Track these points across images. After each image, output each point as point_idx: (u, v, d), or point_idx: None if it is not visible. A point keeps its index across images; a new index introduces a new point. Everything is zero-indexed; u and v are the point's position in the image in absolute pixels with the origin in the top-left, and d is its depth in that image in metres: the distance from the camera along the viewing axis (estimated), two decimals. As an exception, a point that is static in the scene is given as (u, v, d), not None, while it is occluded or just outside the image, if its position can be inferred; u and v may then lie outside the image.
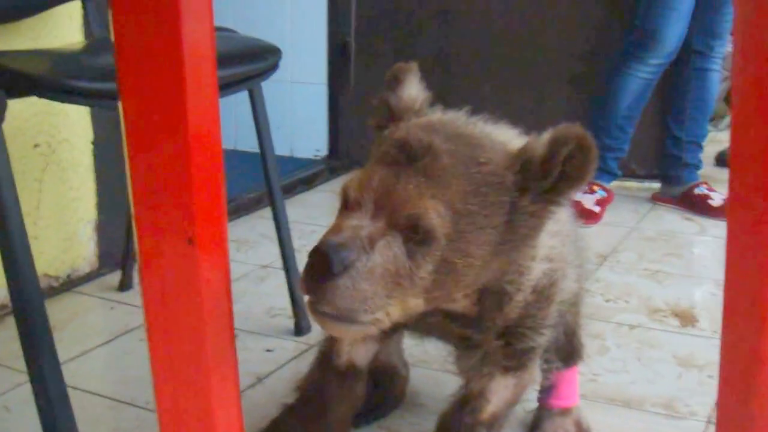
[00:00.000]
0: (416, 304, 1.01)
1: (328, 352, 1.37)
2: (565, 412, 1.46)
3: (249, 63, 1.63)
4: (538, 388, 1.49)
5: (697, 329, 1.94)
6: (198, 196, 0.96)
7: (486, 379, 1.26)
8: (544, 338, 1.23)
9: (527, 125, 1.15)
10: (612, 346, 1.86)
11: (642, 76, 2.77)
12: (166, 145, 0.94)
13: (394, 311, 0.98)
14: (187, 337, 1.01)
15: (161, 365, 1.04)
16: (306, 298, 0.98)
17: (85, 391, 1.61)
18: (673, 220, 2.83)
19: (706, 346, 1.85)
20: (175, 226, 0.97)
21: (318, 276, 0.93)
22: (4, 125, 1.71)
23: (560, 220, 1.19)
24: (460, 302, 1.14)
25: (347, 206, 1.01)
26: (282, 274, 1.91)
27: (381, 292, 0.95)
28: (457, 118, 1.10)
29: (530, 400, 1.51)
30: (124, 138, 0.96)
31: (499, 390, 1.27)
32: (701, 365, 1.75)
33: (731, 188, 0.55)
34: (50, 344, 1.28)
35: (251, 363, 1.76)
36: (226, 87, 1.58)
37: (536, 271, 1.14)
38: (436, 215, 0.96)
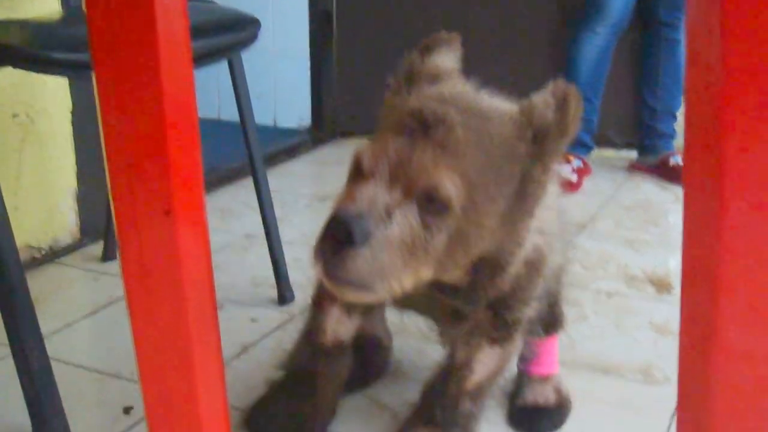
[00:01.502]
0: (427, 273, 1.03)
1: (312, 329, 1.38)
2: (545, 379, 1.48)
3: (228, 33, 1.62)
4: (518, 356, 1.51)
5: (673, 296, 1.96)
6: (174, 168, 0.95)
7: (473, 349, 1.28)
8: (531, 310, 1.25)
9: (505, 92, 1.16)
10: (590, 313, 1.88)
11: (595, 43, 2.81)
12: (141, 117, 0.94)
13: (407, 280, 0.99)
14: (168, 308, 1.02)
15: (143, 337, 1.04)
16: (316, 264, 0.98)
17: (69, 363, 1.62)
18: (649, 189, 2.86)
19: (683, 312, 1.87)
20: (152, 198, 0.97)
21: (337, 245, 0.94)
22: (-18, 97, 1.70)
23: (551, 193, 1.20)
24: (454, 273, 1.14)
25: (360, 174, 1.01)
26: (266, 243, 1.92)
27: (398, 262, 0.96)
28: (467, 91, 1.11)
29: (511, 368, 1.52)
30: (98, 109, 0.96)
31: (485, 360, 1.29)
32: (677, 332, 1.76)
33: (686, 151, 0.56)
34: (32, 318, 1.28)
35: (236, 333, 1.77)
36: (205, 57, 1.57)
37: (529, 243, 1.16)
38: (452, 185, 0.97)
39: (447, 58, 1.16)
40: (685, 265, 0.59)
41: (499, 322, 1.24)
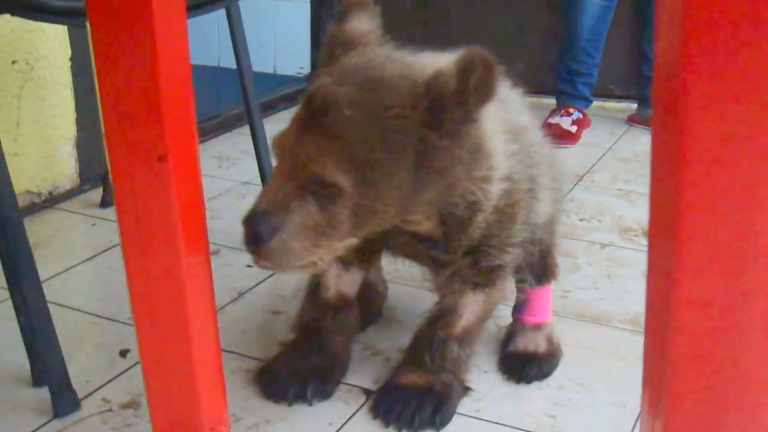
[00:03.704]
0: (347, 243, 1.12)
1: (316, 286, 1.43)
2: (537, 327, 1.51)
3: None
4: (511, 304, 1.54)
5: (668, 247, 1.97)
6: (167, 115, 0.97)
7: (457, 295, 1.32)
8: (510, 256, 1.27)
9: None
10: (583, 264, 1.90)
11: (596, 1, 2.78)
12: (135, 65, 0.95)
13: (325, 255, 1.10)
14: (162, 253, 1.03)
15: (137, 282, 1.06)
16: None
17: (67, 307, 1.64)
18: (647, 141, 2.80)
19: (676, 263, 1.89)
20: (146, 144, 0.98)
21: (252, 242, 1.08)
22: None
23: (522, 141, 1.23)
24: (423, 225, 1.20)
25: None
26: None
27: (308, 244, 1.07)
28: (375, 58, 1.13)
29: (504, 317, 1.55)
30: (92, 57, 0.97)
31: (470, 305, 1.32)
32: (669, 282, 1.79)
33: (654, 95, 0.57)
34: (30, 262, 1.30)
35: (232, 278, 1.79)
36: (203, 5, 1.57)
37: (494, 191, 1.19)
38: (337, 171, 1.04)
39: (363, 22, 1.18)
40: (651, 217, 0.60)
41: (478, 268, 1.28)
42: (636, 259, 1.92)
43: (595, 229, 2.09)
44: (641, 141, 2.85)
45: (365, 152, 1.05)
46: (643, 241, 2.01)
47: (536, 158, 1.29)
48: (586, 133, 2.85)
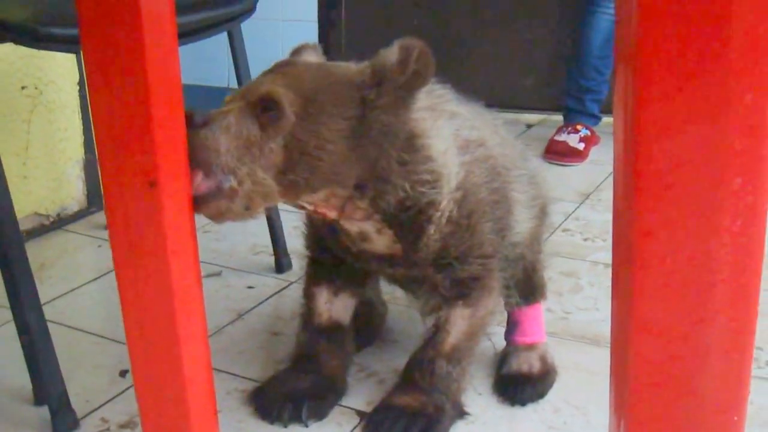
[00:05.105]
0: (268, 183, 1.11)
1: (309, 313, 1.46)
2: (530, 347, 1.52)
3: (224, 6, 1.65)
4: (504, 326, 1.55)
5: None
6: (159, 141, 0.99)
7: (442, 313, 1.35)
8: (478, 268, 1.30)
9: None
10: (585, 284, 1.90)
11: (610, 13, 2.76)
12: (126, 91, 0.97)
13: (246, 178, 1.08)
14: (153, 277, 1.05)
15: (130, 305, 1.08)
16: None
17: (70, 327, 1.67)
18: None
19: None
20: (137, 170, 1.00)
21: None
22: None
23: (475, 153, 1.28)
24: (378, 242, 1.27)
25: None
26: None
27: (234, 151, 1.07)
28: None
29: (502, 339, 1.56)
30: (86, 84, 0.99)
31: (457, 322, 1.35)
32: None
33: (614, 122, 0.59)
34: (31, 284, 1.32)
35: (233, 300, 1.81)
36: (202, 31, 1.60)
37: (443, 201, 1.23)
38: (282, 94, 1.10)
39: (311, 56, 1.29)
40: (614, 244, 0.62)
41: (449, 282, 1.32)
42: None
43: (599, 249, 2.09)
44: (648, 161, 2.83)
45: (313, 93, 1.12)
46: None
47: (501, 171, 1.31)
48: (594, 151, 2.85)
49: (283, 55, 1.29)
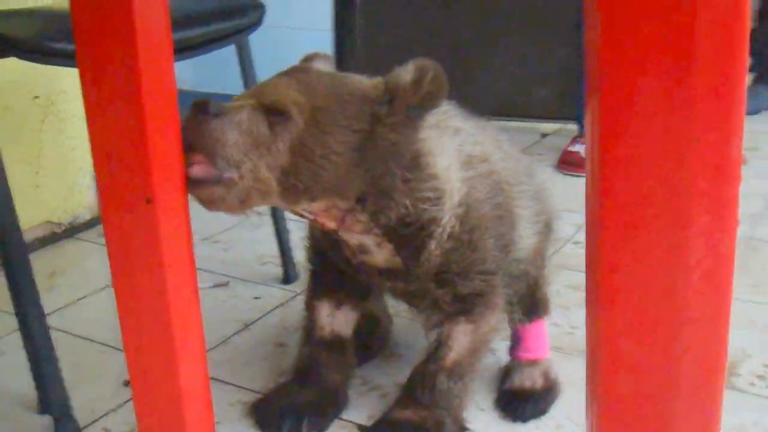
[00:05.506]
0: (270, 183, 1.11)
1: (311, 327, 1.46)
2: (533, 363, 1.51)
3: (230, 19, 1.66)
4: (508, 342, 1.54)
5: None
6: (154, 158, 0.99)
7: (445, 328, 1.35)
8: (480, 284, 1.30)
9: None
10: (592, 298, 1.89)
11: None
12: (121, 109, 0.98)
13: (248, 173, 1.08)
14: (149, 292, 1.06)
15: (127, 319, 1.09)
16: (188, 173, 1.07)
17: (77, 336, 1.68)
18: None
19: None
20: (134, 187, 1.01)
21: (196, 115, 1.07)
22: (5, 77, 1.76)
23: (479, 169, 1.28)
24: (378, 255, 1.27)
25: None
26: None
27: (241, 145, 1.08)
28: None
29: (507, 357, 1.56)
30: (83, 101, 1.00)
31: (459, 337, 1.34)
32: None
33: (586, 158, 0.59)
34: (34, 295, 1.33)
35: (239, 310, 1.82)
36: (208, 43, 1.62)
37: (444, 218, 1.23)
38: (293, 100, 1.11)
39: (322, 65, 1.28)
40: (587, 277, 0.61)
41: (450, 297, 1.31)
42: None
43: (607, 263, 2.07)
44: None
45: (324, 102, 1.13)
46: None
47: (505, 187, 1.31)
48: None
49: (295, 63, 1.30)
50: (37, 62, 1.35)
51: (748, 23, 0.51)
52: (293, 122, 1.10)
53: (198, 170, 1.06)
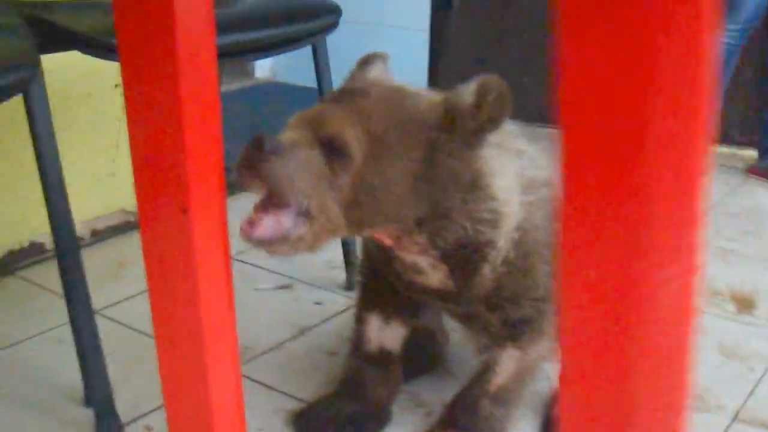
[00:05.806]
0: (337, 215, 1.08)
1: (358, 340, 1.44)
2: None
3: (306, 21, 1.65)
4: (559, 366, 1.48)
5: (754, 317, 1.85)
6: (192, 167, 0.98)
7: (493, 352, 1.32)
8: (530, 311, 1.26)
9: None
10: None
11: (723, 41, 2.61)
12: (160, 115, 0.97)
13: (316, 208, 1.06)
14: (183, 301, 1.05)
15: (161, 329, 1.09)
16: (241, 227, 1.07)
17: (134, 329, 1.70)
18: (763, 196, 2.64)
19: (757, 335, 1.77)
20: (170, 196, 1.00)
21: (253, 156, 1.03)
22: (88, 65, 1.78)
23: (539, 194, 1.23)
24: (431, 276, 1.24)
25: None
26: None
27: (305, 183, 1.05)
28: (397, 84, 1.20)
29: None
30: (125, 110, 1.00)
31: (505, 362, 1.31)
32: (746, 356, 1.68)
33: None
34: (84, 291, 1.34)
35: (297, 314, 1.81)
36: (282, 45, 1.61)
37: (500, 241, 1.19)
38: (352, 136, 1.07)
39: (379, 71, 1.24)
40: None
41: (502, 322, 1.28)
42: (716, 327, 1.80)
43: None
44: (756, 195, 2.65)
45: (382, 132, 1.09)
46: (729, 308, 1.89)
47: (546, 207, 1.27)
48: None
49: (392, 63, 1.26)
50: (99, 57, 1.36)
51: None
52: (352, 159, 1.07)
53: (261, 231, 1.06)
